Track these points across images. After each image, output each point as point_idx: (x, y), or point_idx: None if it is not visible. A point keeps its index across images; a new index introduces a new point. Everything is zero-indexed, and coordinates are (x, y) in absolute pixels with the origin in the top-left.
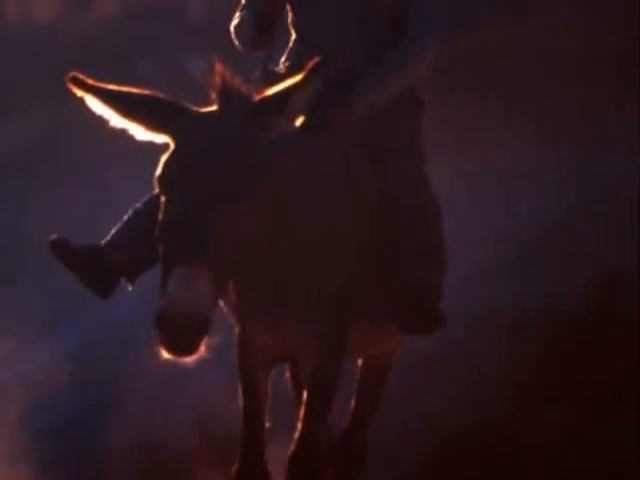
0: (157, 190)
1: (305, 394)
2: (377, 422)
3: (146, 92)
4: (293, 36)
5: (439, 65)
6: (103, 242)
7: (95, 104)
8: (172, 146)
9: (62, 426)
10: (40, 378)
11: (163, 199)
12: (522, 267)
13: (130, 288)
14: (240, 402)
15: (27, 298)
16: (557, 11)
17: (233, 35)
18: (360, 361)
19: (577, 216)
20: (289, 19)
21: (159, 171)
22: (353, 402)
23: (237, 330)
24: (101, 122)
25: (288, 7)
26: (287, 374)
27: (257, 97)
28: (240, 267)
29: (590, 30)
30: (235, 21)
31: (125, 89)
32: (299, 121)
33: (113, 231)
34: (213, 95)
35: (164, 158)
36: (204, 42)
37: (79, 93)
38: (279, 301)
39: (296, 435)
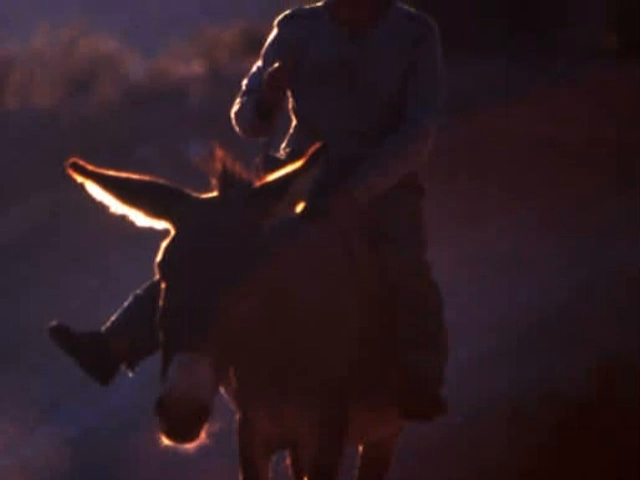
0: (158, 276)
1: None
2: None
3: (146, 178)
4: (293, 122)
5: (440, 150)
6: (103, 328)
7: (95, 190)
8: (172, 232)
9: None
10: (40, 464)
11: (163, 285)
12: (522, 353)
13: (130, 375)
14: None
15: (27, 383)
16: (558, 100)
17: (234, 121)
18: (360, 448)
19: (577, 302)
20: (289, 105)
21: (160, 257)
22: None
23: (237, 416)
24: (101, 208)
25: (288, 93)
26: (288, 460)
27: (257, 183)
28: (241, 353)
29: (591, 119)
30: (235, 107)
31: (125, 175)
32: (300, 207)
33: (113, 317)
34: (213, 181)
35: (165, 244)
36: (204, 128)
37: (79, 179)
38: (279, 387)
39: None
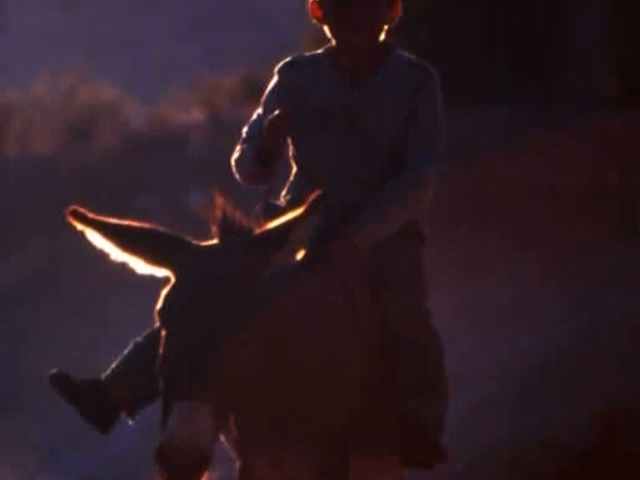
0: (158, 324)
1: None
2: None
3: (146, 225)
4: (294, 169)
5: (440, 197)
6: (103, 376)
7: (95, 237)
8: (173, 280)
9: None
10: None
11: (164, 333)
12: (523, 401)
13: (130, 423)
14: None
15: (27, 431)
16: (560, 147)
17: (234, 168)
18: None
19: (579, 350)
20: (290, 152)
21: (160, 305)
22: None
23: (238, 464)
24: (101, 255)
25: (289, 140)
26: None
27: (258, 230)
28: (241, 401)
29: (593, 166)
30: (236, 154)
31: (125, 222)
32: (300, 254)
33: (113, 365)
34: (214, 228)
35: (165, 292)
36: (204, 175)
37: (79, 226)
38: (280, 435)
39: None
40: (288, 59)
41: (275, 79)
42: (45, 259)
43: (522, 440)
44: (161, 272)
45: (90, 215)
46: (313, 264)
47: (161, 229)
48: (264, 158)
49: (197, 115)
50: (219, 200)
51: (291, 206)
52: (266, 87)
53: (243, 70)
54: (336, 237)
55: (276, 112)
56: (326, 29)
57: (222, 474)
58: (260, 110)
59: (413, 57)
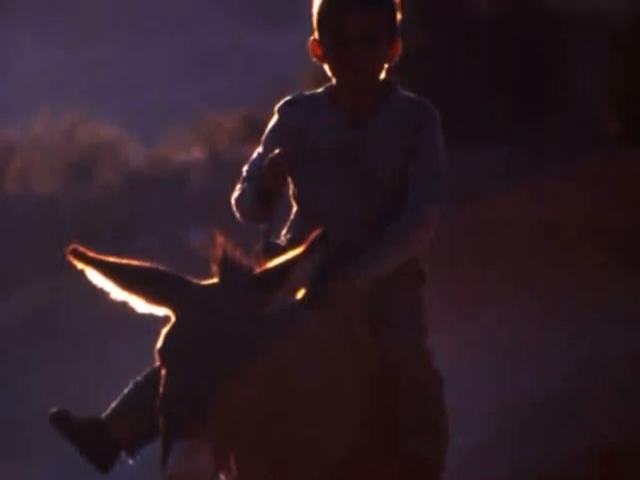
0: (158, 363)
1: None
2: None
3: (146, 264)
4: (294, 208)
5: (441, 235)
6: (103, 415)
7: (95, 276)
8: (173, 319)
9: None
10: None
11: (164, 372)
12: (523, 438)
13: (131, 462)
14: None
15: (28, 470)
16: (560, 185)
17: (234, 207)
18: None
19: (577, 387)
20: (290, 191)
21: (160, 344)
22: None
23: None
24: (101, 294)
25: (289, 179)
26: None
27: (258, 269)
28: (241, 440)
29: (593, 205)
30: (236, 193)
31: (125, 261)
32: (300, 293)
33: (113, 404)
34: (214, 267)
35: (165, 331)
36: (204, 214)
37: (79, 265)
38: (280, 473)
39: None
40: (288, 98)
41: (275, 118)
42: (46, 298)
43: (522, 476)
44: (161, 311)
45: (90, 254)
46: (313, 302)
47: (161, 268)
48: (264, 197)
49: (197, 154)
50: (219, 239)
51: (291, 245)
52: (266, 126)
53: (243, 109)
54: (336, 276)
55: (276, 151)
56: (326, 68)
57: None
58: (260, 149)
59: (414, 95)
